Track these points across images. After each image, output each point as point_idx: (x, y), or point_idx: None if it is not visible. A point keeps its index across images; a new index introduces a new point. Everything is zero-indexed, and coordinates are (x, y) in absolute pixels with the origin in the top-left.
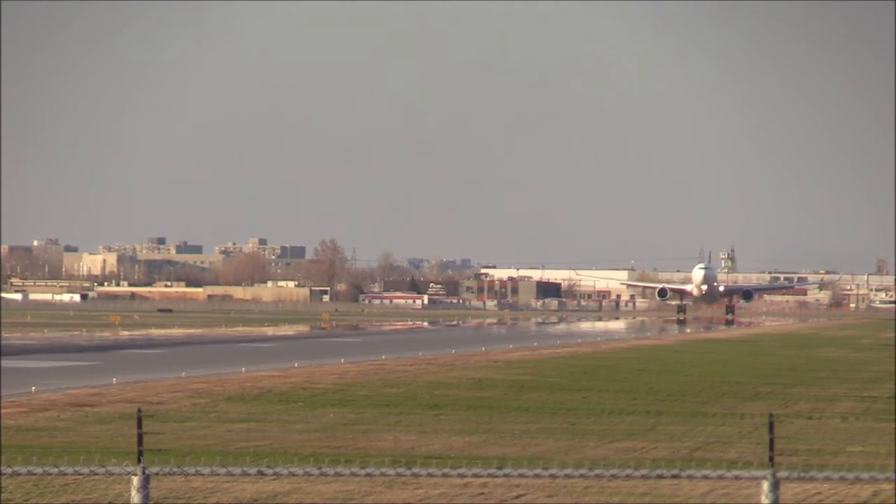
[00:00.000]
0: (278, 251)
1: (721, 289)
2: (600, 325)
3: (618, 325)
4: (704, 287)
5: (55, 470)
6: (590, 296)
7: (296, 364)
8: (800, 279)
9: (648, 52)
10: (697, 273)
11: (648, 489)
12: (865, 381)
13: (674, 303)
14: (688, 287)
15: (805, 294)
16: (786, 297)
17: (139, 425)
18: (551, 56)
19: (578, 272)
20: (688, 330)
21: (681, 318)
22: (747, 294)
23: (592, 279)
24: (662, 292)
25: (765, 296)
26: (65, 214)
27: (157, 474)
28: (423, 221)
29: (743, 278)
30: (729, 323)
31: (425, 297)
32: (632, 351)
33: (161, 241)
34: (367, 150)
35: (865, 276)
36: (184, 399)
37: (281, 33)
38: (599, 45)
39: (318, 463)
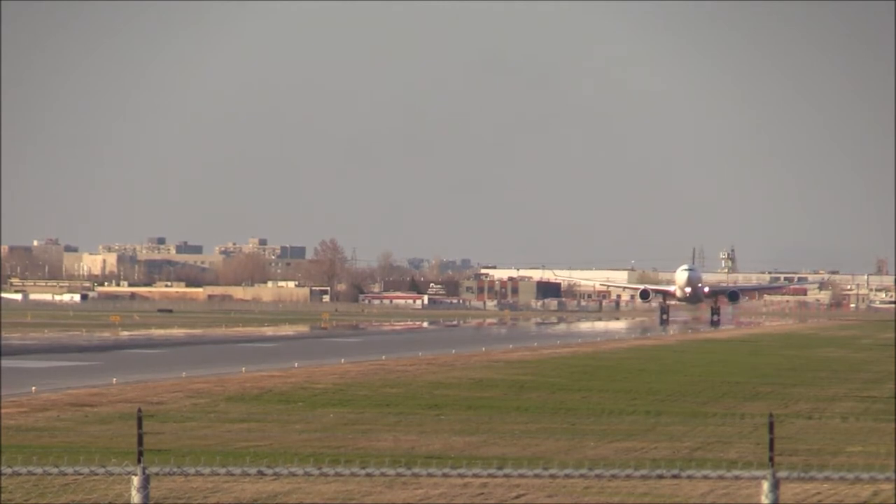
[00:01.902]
0: (278, 251)
1: (706, 290)
2: (600, 326)
3: (618, 325)
4: (688, 290)
5: (55, 470)
6: (590, 296)
7: (296, 364)
8: (800, 279)
9: (648, 51)
10: (681, 275)
11: (648, 489)
12: (865, 381)
13: (659, 303)
14: (671, 288)
15: (805, 294)
16: (786, 297)
17: (139, 425)
18: (551, 56)
19: (556, 272)
20: (671, 331)
21: (664, 318)
22: (733, 295)
23: (569, 279)
24: (644, 294)
25: (765, 296)
26: (65, 214)
27: (157, 474)
28: (423, 221)
29: (743, 278)
30: (714, 324)
31: (425, 298)
32: (632, 351)
33: (161, 241)
34: (367, 150)
35: (865, 276)
36: (184, 399)
37: (281, 33)
38: (599, 44)
39: (318, 463)
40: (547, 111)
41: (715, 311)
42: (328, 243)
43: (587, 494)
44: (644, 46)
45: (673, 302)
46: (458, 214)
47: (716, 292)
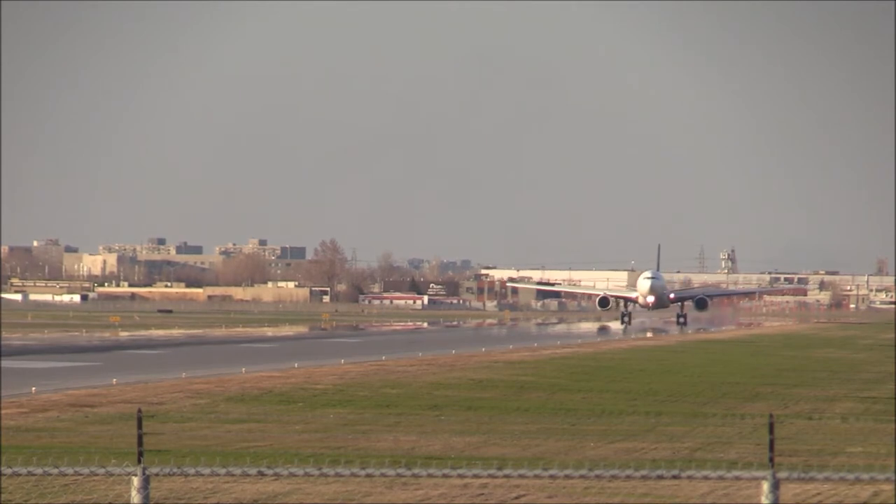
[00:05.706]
0: (278, 251)
1: (671, 295)
2: (599, 326)
3: (617, 325)
4: (651, 299)
5: (55, 470)
6: (590, 296)
7: (296, 364)
8: (800, 279)
9: (649, 51)
10: (643, 284)
11: (648, 489)
12: (865, 381)
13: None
14: (633, 294)
15: (805, 294)
16: (786, 298)
17: (139, 426)
18: (551, 56)
19: (520, 271)
20: (633, 336)
21: (625, 320)
22: (700, 302)
23: (533, 286)
24: (604, 301)
25: (763, 297)
26: (65, 214)
27: (157, 475)
28: (423, 221)
29: (743, 278)
30: (681, 325)
31: (425, 298)
32: (632, 351)
33: (161, 241)
34: (367, 149)
35: (865, 277)
36: (184, 399)
37: (281, 33)
38: (600, 44)
39: (318, 463)
40: (547, 111)
41: (681, 316)
42: (328, 243)
43: (587, 495)
44: (644, 46)
45: (632, 309)
46: (458, 214)
47: (681, 298)
